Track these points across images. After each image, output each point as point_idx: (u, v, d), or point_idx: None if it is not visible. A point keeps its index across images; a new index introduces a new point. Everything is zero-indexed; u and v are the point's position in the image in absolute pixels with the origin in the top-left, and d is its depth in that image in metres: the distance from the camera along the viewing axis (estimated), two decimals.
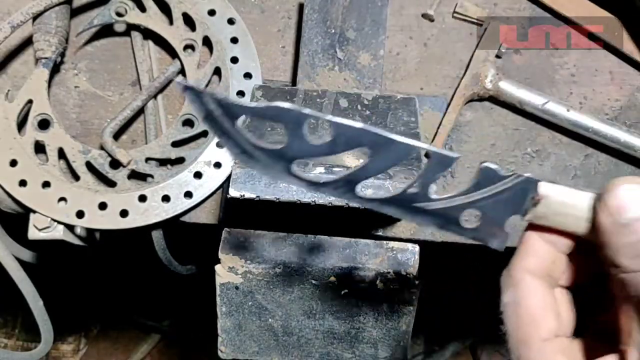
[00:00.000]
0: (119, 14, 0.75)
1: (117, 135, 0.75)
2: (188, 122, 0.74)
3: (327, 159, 0.57)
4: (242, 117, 0.36)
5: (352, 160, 0.58)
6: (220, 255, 0.58)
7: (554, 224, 0.37)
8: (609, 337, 0.36)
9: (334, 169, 0.56)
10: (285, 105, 0.34)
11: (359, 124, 0.34)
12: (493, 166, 0.37)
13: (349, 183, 0.37)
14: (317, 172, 0.55)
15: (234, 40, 0.75)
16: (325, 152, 0.35)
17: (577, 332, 0.40)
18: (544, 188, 0.37)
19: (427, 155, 0.72)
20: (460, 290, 1.53)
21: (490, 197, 0.37)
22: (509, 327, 0.38)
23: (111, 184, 0.72)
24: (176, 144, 0.73)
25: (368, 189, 0.52)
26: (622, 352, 0.34)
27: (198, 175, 0.71)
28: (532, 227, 0.38)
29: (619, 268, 0.33)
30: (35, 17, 0.73)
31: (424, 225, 0.39)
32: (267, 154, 0.36)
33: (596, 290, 0.40)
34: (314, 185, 0.38)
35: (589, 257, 0.38)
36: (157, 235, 0.77)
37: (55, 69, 0.76)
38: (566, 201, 0.36)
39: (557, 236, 0.38)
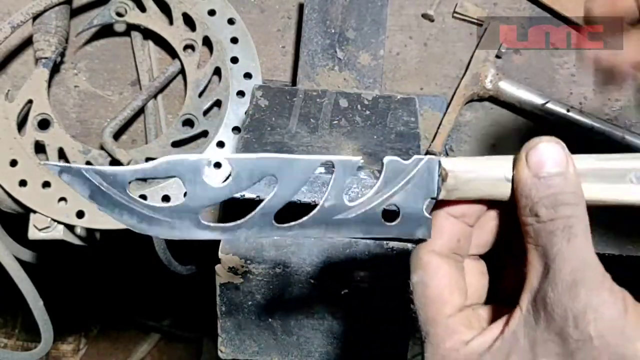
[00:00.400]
0: (119, 14, 0.75)
1: (117, 135, 0.75)
2: (188, 122, 0.74)
3: None
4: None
5: None
6: (220, 255, 0.58)
7: (465, 195, 0.39)
8: (514, 299, 0.38)
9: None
10: (176, 158, 0.33)
11: (254, 155, 0.34)
12: (393, 158, 0.37)
13: (264, 216, 0.36)
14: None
15: (234, 40, 0.75)
16: (231, 192, 0.35)
17: (491, 297, 0.43)
18: (447, 163, 0.38)
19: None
20: None
21: (402, 188, 0.38)
22: (417, 306, 0.40)
23: None
24: (176, 144, 0.73)
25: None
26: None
27: None
28: (441, 204, 0.40)
29: (535, 218, 0.36)
30: (35, 17, 0.73)
31: (351, 236, 0.38)
32: (169, 213, 0.35)
33: (502, 256, 0.43)
34: (229, 230, 0.36)
35: (498, 224, 0.41)
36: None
37: (55, 69, 0.76)
38: (472, 168, 0.39)
39: (468, 206, 0.40)
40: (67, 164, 0.32)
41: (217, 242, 0.59)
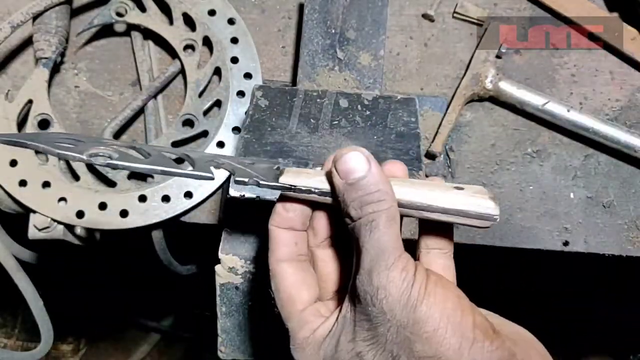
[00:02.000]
0: (119, 14, 0.75)
1: (117, 135, 0.75)
2: (188, 122, 0.74)
3: None
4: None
5: None
6: (220, 255, 0.58)
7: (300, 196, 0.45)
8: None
9: None
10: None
11: (142, 165, 0.39)
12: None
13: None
14: None
15: (234, 40, 0.75)
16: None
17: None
18: (286, 179, 0.44)
19: (431, 154, 0.72)
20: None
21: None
22: (278, 308, 0.46)
23: (111, 184, 0.72)
24: (176, 144, 0.73)
25: None
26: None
27: None
28: (282, 199, 0.46)
29: (349, 219, 0.42)
30: (35, 17, 0.73)
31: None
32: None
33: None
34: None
35: (329, 221, 0.47)
36: (157, 235, 0.77)
37: (55, 69, 0.76)
38: (306, 184, 0.44)
39: (294, 215, 0.46)
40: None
41: (217, 242, 0.59)
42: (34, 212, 0.70)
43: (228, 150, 0.72)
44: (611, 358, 1.50)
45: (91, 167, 0.72)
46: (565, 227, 0.71)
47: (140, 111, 0.76)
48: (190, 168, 0.43)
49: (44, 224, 0.70)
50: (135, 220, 0.70)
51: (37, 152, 0.72)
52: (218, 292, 0.60)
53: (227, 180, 0.71)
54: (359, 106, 0.64)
